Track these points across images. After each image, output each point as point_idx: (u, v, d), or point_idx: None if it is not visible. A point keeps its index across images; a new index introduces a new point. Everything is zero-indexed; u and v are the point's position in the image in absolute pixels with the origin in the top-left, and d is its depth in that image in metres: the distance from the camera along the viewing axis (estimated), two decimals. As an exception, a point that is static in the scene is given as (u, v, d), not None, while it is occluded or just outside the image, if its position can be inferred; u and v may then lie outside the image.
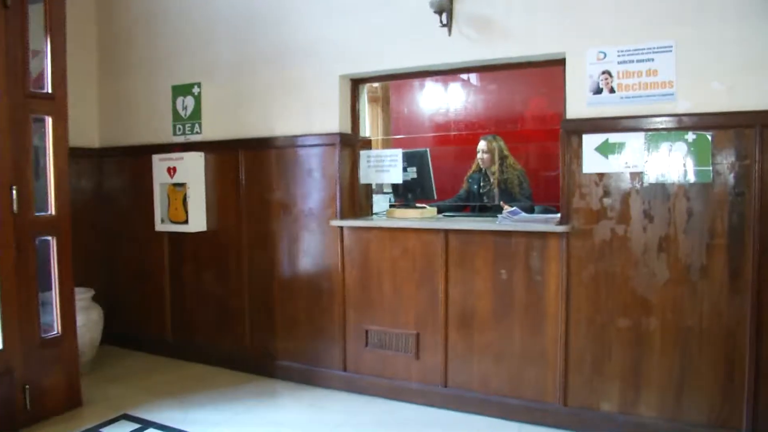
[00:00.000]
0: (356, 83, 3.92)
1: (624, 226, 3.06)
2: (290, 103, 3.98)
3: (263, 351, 4.20)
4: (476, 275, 3.42)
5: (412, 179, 3.94)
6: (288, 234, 4.03)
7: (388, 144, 5.60)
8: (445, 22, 3.37)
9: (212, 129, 4.36)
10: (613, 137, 3.06)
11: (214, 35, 4.29)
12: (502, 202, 3.86)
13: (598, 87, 3.09)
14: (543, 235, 3.21)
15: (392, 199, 4.45)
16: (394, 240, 3.65)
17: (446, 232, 3.46)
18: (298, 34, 3.93)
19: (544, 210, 4.34)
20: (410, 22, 3.54)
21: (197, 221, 4.40)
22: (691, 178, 2.91)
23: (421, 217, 3.81)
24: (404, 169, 3.94)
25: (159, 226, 4.55)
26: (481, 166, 4.31)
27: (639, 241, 3.04)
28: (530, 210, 3.97)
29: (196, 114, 4.44)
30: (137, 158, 4.68)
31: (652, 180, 2.99)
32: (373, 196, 4.42)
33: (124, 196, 4.86)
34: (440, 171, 5.06)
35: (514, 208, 3.55)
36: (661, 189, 2.98)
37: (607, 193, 3.09)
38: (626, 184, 3.05)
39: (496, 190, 4.23)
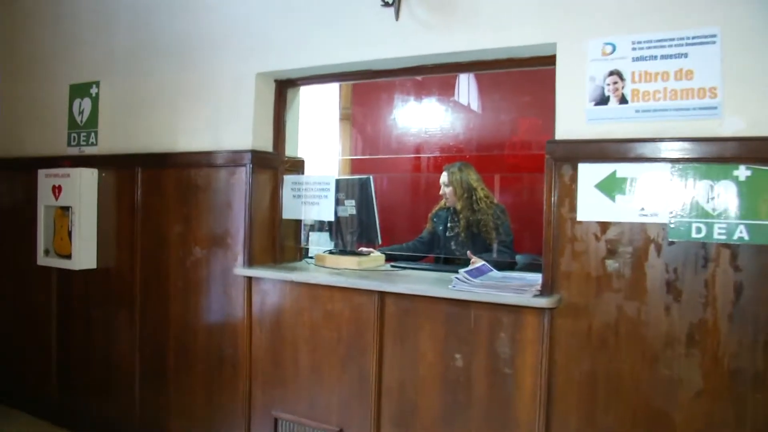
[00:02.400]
0: (282, 86, 2.94)
1: (637, 303, 2.03)
2: (197, 110, 3.02)
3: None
4: (421, 358, 2.39)
5: (351, 216, 2.95)
6: (188, 280, 3.03)
7: (348, 169, 4.61)
8: (390, 0, 2.40)
9: (110, 140, 3.40)
10: (624, 169, 2.05)
11: (114, 22, 3.36)
12: (469, 253, 2.84)
13: (603, 95, 2.10)
14: (516, 310, 2.19)
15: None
16: (315, 299, 2.64)
17: (381, 294, 2.45)
18: (208, 22, 2.98)
19: (530, 263, 3.31)
20: (348, 3, 2.58)
21: (84, 256, 3.41)
22: (743, 235, 1.89)
23: (359, 268, 2.80)
24: (340, 202, 2.95)
25: (42, 260, 3.56)
26: (447, 204, 3.30)
27: (659, 328, 2.01)
28: (509, 265, 2.95)
29: (93, 121, 3.48)
30: (28, 173, 3.70)
31: (682, 236, 1.97)
32: (312, 234, 3.43)
33: (9, 220, 3.88)
34: (402, 206, 4.09)
35: (481, 263, 2.53)
36: (694, 251, 1.96)
37: (612, 253, 2.07)
38: (642, 240, 2.03)
39: (464, 235, 3.19)
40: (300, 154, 3.12)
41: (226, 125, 2.90)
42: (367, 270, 2.79)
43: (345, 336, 2.56)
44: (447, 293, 2.24)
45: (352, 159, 4.55)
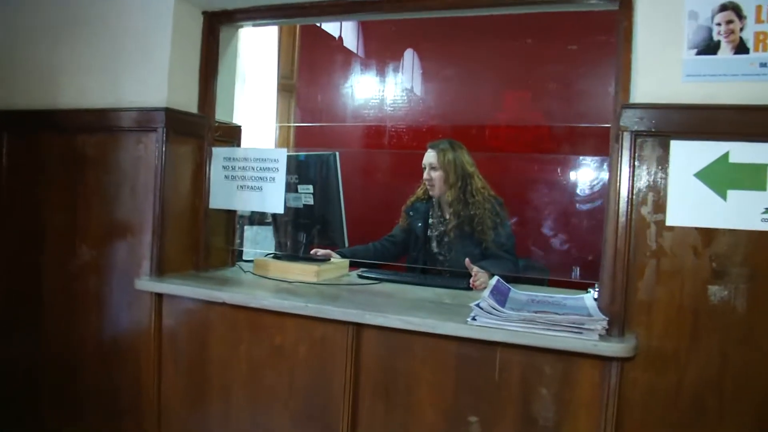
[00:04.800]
0: (214, 21, 2.09)
1: (755, 350, 1.36)
2: (88, 51, 2.11)
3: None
4: (417, 420, 1.63)
5: (306, 207, 2.15)
6: (71, 293, 2.13)
7: (286, 140, 3.77)
8: None
9: (-35, 92, 2.41)
10: (742, 151, 1.37)
11: None
12: (467, 261, 2.12)
13: (711, 39, 1.40)
14: (565, 357, 1.47)
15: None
16: (257, 329, 1.82)
17: (357, 328, 1.66)
18: None
19: (526, 268, 2.63)
20: None
21: None
22: None
23: (319, 281, 2.01)
24: (293, 188, 2.14)
25: None
26: (431, 193, 2.52)
27: (788, 389, 1.35)
28: (511, 271, 2.24)
29: (-59, 64, 2.47)
30: None
31: (829, 253, 1.31)
32: (248, 229, 2.62)
33: None
34: (364, 192, 3.30)
35: (495, 279, 1.79)
36: None
37: (720, 275, 1.38)
38: (766, 256, 1.36)
39: (453, 236, 2.44)
40: (237, 120, 2.28)
41: (131, 73, 2.02)
42: (329, 284, 2.01)
43: (301, 383, 1.76)
44: (466, 331, 1.49)
45: (296, 128, 3.69)
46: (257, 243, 2.60)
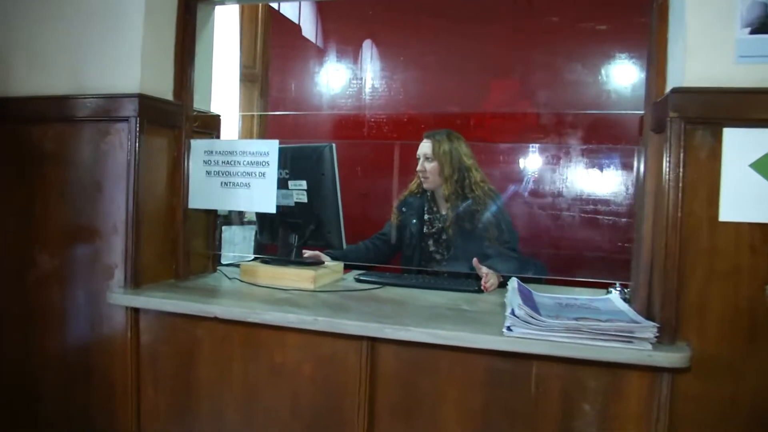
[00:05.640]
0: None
1: (819, 357, 1.26)
2: (47, 28, 1.84)
3: None
4: (440, 442, 1.47)
5: (298, 205, 1.94)
6: (30, 306, 1.86)
7: (250, 132, 3.53)
8: None
9: None
10: (803, 139, 1.26)
11: None
12: (475, 261, 1.95)
13: (766, 17, 1.28)
14: (611, 369, 1.33)
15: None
16: (253, 346, 1.61)
17: (371, 342, 1.48)
18: None
19: (528, 265, 2.49)
20: None
21: None
22: None
23: (314, 286, 1.82)
24: (284, 184, 1.94)
25: None
26: (425, 186, 2.35)
27: None
28: (518, 270, 2.10)
29: None
30: None
31: None
32: (226, 231, 2.39)
33: None
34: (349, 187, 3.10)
35: (515, 282, 1.64)
36: None
37: (780, 275, 1.27)
38: (829, 255, 1.25)
39: (452, 233, 2.28)
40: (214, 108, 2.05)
41: (96, 54, 1.76)
42: (328, 291, 1.82)
43: (306, 407, 1.56)
44: (502, 343, 1.33)
45: (267, 121, 3.45)
46: (235, 245, 2.38)
